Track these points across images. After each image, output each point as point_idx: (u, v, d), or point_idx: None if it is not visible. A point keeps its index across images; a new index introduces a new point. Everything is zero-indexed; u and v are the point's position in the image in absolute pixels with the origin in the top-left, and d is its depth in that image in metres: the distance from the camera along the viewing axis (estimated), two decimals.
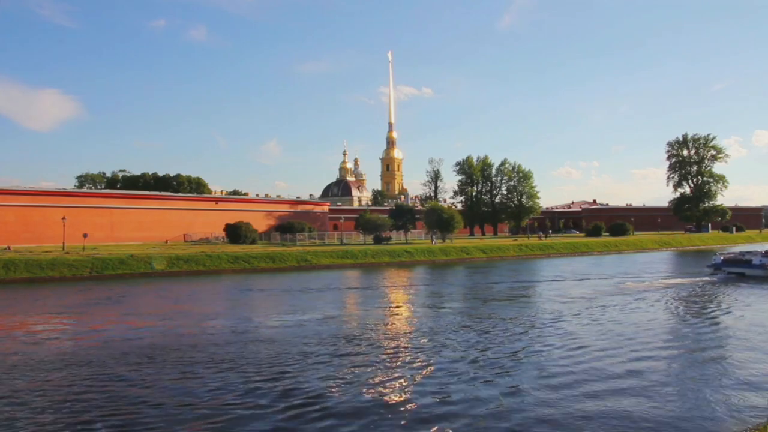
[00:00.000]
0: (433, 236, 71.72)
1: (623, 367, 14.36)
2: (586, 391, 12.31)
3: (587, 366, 14.48)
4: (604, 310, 24.15)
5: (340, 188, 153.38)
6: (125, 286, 36.27)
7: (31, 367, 14.77)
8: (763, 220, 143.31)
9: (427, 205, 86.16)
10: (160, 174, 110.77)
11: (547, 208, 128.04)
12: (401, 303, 28.23)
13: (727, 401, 11.77)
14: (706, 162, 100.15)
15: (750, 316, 22.37)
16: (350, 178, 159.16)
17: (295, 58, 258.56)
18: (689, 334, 19.30)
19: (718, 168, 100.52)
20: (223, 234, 66.76)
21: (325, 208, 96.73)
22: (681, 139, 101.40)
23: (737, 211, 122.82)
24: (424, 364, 14.86)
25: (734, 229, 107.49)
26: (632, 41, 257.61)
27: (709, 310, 24.91)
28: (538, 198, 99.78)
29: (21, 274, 38.66)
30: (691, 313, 24.34)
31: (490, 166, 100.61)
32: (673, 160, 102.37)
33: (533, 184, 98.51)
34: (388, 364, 14.84)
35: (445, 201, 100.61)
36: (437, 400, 11.83)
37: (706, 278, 36.77)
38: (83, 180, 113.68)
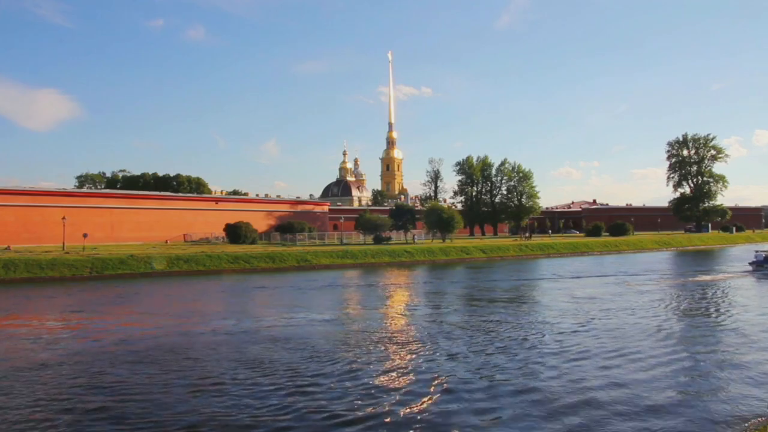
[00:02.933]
0: (415, 236, 72.18)
1: (633, 366, 14.38)
2: (585, 389, 12.31)
3: (589, 362, 14.47)
4: (642, 308, 24.39)
5: (340, 188, 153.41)
6: (126, 286, 36.20)
7: (53, 369, 14.64)
8: (763, 220, 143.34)
9: (427, 205, 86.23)
10: (160, 174, 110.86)
11: (547, 208, 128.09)
12: (405, 303, 28.22)
13: (730, 400, 11.77)
14: (706, 162, 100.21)
15: None
16: (350, 178, 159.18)
17: (294, 58, 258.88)
18: (711, 333, 19.41)
19: (718, 168, 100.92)
20: (223, 234, 66.77)
21: (325, 208, 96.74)
22: (681, 139, 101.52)
23: (737, 211, 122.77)
24: (439, 367, 14.62)
25: (734, 229, 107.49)
26: (632, 41, 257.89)
27: (742, 307, 24.96)
28: (538, 198, 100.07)
29: (21, 274, 38.62)
30: (726, 310, 24.46)
31: (490, 166, 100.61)
32: (673, 160, 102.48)
33: (533, 184, 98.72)
34: (404, 367, 14.72)
35: (445, 201, 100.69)
36: (453, 406, 11.59)
37: (749, 275, 39.04)
38: (83, 180, 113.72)
